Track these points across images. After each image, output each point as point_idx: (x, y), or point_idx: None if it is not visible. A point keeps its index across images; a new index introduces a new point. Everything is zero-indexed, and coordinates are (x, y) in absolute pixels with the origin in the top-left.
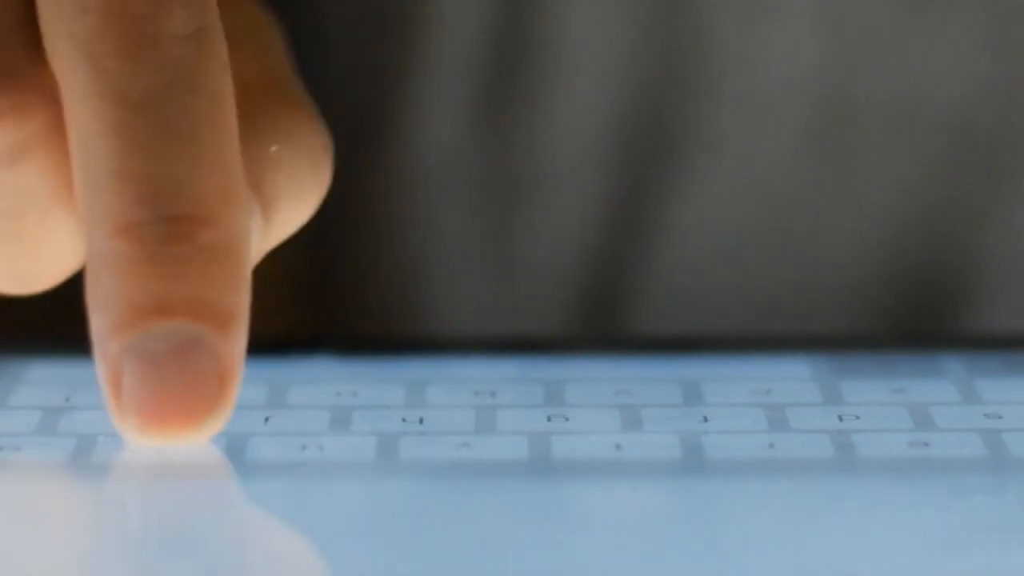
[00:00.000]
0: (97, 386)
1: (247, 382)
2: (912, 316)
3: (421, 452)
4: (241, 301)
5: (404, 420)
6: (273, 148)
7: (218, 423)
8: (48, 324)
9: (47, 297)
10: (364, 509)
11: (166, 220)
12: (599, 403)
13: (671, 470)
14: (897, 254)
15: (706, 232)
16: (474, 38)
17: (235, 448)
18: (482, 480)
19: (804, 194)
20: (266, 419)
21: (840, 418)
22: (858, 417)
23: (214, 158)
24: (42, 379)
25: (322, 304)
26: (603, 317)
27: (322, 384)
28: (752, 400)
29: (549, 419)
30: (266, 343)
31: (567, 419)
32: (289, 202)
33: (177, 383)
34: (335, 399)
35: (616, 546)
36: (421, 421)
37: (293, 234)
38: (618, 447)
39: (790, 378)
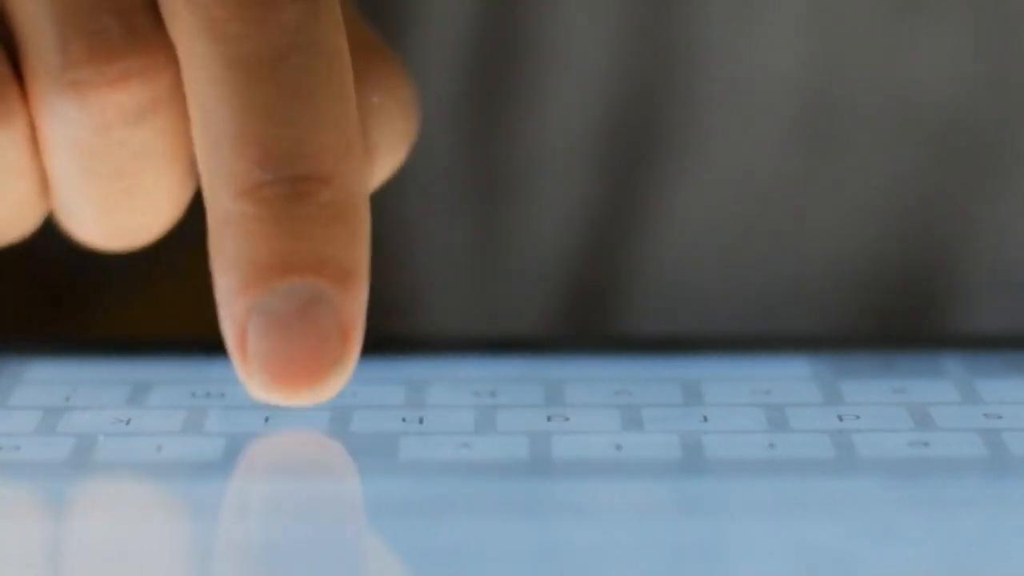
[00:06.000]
0: (97, 386)
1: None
2: (912, 315)
3: (421, 452)
4: (361, 256)
5: (404, 420)
6: (374, 99)
7: (341, 379)
8: (48, 324)
9: (47, 297)
10: (364, 509)
11: (288, 180)
12: (599, 403)
13: (671, 470)
14: (895, 253)
15: (705, 232)
16: (459, 38)
17: (235, 448)
18: (482, 480)
19: (805, 192)
20: (266, 419)
21: (840, 418)
22: (858, 417)
23: (333, 116)
24: (42, 379)
25: None
26: (602, 317)
27: None
28: (752, 400)
29: (549, 419)
30: None
31: (567, 419)
32: (387, 151)
33: (302, 340)
34: (335, 399)
35: (616, 546)
36: (421, 421)
37: None
38: (618, 447)
39: (790, 378)
